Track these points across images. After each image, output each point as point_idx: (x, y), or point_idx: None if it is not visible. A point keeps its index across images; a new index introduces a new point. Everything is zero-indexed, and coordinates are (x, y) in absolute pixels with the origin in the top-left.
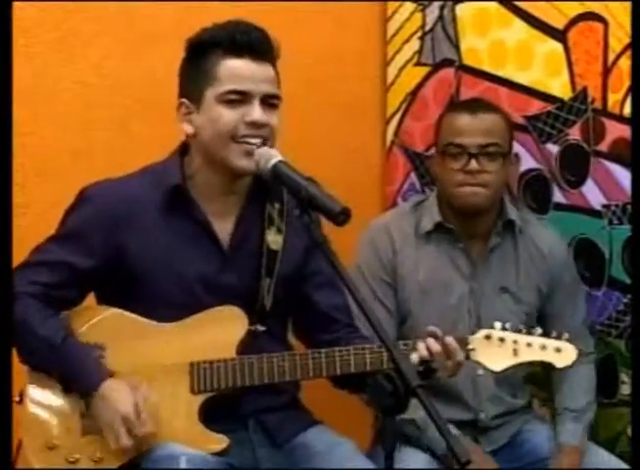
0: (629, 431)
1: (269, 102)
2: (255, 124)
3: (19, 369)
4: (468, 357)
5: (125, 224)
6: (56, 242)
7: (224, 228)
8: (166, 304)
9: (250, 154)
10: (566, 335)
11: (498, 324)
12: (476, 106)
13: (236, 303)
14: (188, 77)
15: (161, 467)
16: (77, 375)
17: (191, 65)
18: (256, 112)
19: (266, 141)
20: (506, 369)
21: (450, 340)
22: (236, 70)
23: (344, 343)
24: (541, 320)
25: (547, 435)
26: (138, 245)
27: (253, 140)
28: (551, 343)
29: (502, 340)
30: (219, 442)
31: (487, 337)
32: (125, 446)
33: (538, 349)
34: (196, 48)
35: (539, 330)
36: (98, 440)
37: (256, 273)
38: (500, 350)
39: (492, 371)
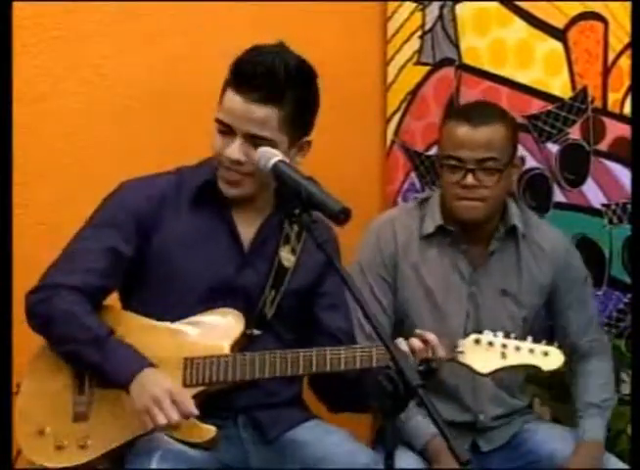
0: (629, 430)
1: (255, 141)
2: (229, 160)
3: (18, 362)
4: (455, 359)
5: (154, 218)
6: (91, 230)
7: (247, 232)
8: (181, 294)
9: (229, 183)
10: (556, 344)
11: (488, 332)
12: (477, 115)
13: (244, 303)
14: None
15: (138, 460)
16: (121, 364)
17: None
18: (232, 148)
19: (244, 178)
20: (493, 372)
21: (432, 337)
22: (228, 103)
23: None
24: (551, 318)
25: (547, 434)
26: (163, 236)
27: (227, 174)
28: (539, 347)
29: (491, 343)
30: (207, 432)
31: (477, 341)
32: (175, 421)
33: (526, 352)
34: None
35: (530, 338)
36: (89, 426)
37: (266, 281)
38: (488, 353)
39: (480, 373)
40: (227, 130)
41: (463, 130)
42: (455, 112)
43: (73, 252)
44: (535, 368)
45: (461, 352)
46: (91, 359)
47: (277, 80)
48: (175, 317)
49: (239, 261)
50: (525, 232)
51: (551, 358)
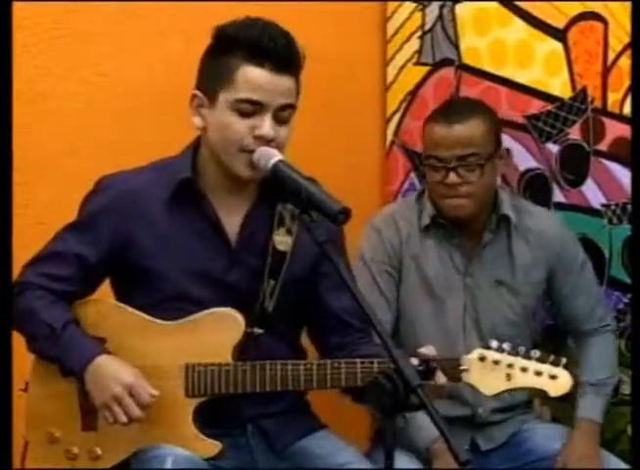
0: (629, 430)
1: (282, 114)
2: (263, 139)
3: (25, 359)
4: (460, 379)
5: (134, 216)
6: (69, 231)
7: (233, 225)
8: (170, 298)
9: (253, 164)
10: (563, 360)
11: (494, 343)
12: (452, 113)
13: (238, 302)
14: (206, 71)
15: (149, 466)
16: (73, 352)
17: (211, 58)
18: (266, 126)
19: None
20: (499, 394)
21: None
22: (253, 79)
23: (352, 349)
24: (554, 305)
25: (547, 434)
26: (145, 237)
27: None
28: (547, 369)
29: (497, 362)
30: (212, 448)
31: (482, 358)
32: (138, 417)
33: (533, 375)
34: (220, 41)
35: (537, 353)
36: (98, 435)
37: (262, 274)
38: (494, 373)
39: (485, 395)
40: (254, 109)
41: (438, 129)
42: (433, 112)
43: (48, 254)
44: (542, 392)
45: (466, 371)
46: (51, 354)
47: (296, 50)
48: (168, 320)
49: (226, 259)
50: (517, 220)
51: (559, 382)
